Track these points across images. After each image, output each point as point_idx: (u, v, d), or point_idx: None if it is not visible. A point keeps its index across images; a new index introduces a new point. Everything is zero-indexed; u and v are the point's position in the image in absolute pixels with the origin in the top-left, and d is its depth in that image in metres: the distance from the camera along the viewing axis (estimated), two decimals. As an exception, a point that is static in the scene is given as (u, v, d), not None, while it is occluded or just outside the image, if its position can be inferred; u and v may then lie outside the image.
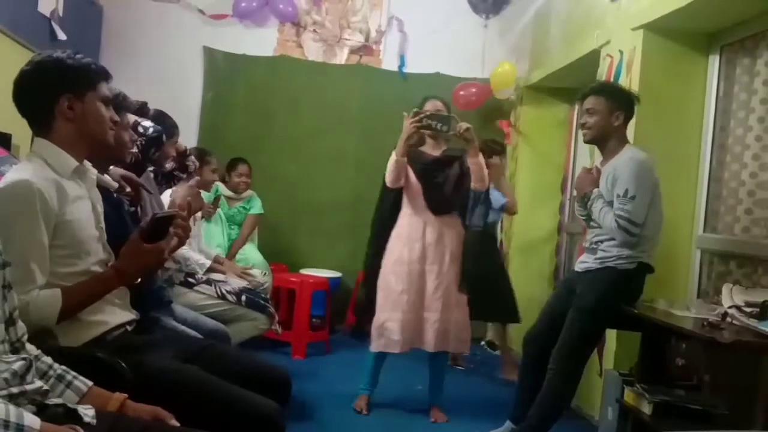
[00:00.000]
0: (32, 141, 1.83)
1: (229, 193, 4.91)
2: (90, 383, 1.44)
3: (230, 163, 4.98)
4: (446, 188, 3.56)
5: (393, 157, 3.53)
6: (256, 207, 5.06)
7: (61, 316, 1.63)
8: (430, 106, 3.57)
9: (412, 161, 3.57)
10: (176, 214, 1.85)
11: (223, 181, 4.91)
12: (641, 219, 2.80)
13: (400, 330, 3.50)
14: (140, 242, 1.74)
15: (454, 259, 3.56)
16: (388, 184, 3.62)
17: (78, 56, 1.79)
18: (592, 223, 3.02)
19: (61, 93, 1.73)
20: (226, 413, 1.63)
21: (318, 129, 5.66)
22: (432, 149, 3.65)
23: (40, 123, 1.76)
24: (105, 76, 1.84)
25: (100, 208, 1.86)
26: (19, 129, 3.31)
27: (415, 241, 3.56)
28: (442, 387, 3.71)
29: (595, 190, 2.96)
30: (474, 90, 5.40)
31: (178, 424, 1.38)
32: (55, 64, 1.75)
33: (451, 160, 3.59)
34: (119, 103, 2.10)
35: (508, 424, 3.30)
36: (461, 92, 5.32)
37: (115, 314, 1.79)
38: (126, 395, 1.43)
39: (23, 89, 1.75)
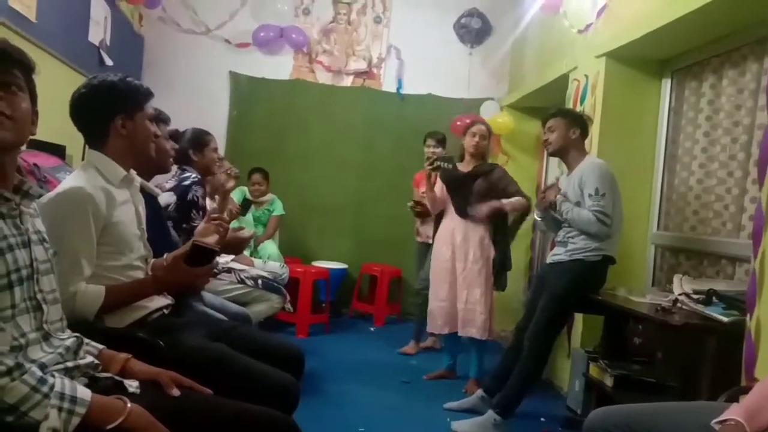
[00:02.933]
0: (84, 151, 1.82)
1: (251, 197, 4.89)
2: (102, 346, 1.41)
3: (248, 173, 4.96)
4: (473, 197, 3.60)
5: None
6: (278, 209, 5.07)
7: (100, 312, 1.61)
8: (476, 129, 3.69)
9: (448, 177, 3.69)
10: (215, 251, 1.79)
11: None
12: (610, 212, 2.82)
13: (438, 315, 3.67)
14: (181, 262, 1.72)
15: (477, 257, 3.60)
16: (433, 213, 3.83)
17: (128, 80, 1.79)
18: (563, 225, 3.02)
19: (116, 113, 1.73)
20: (249, 385, 1.62)
21: (326, 142, 5.65)
22: (464, 167, 3.71)
23: (96, 137, 1.75)
24: (150, 96, 1.84)
25: (142, 211, 1.86)
26: (72, 141, 3.32)
27: (446, 243, 3.68)
28: (474, 361, 3.70)
29: (558, 196, 2.97)
30: (468, 121, 5.36)
31: (178, 393, 1.34)
32: (109, 87, 1.74)
33: (477, 175, 3.63)
34: (157, 117, 2.09)
35: (479, 391, 3.31)
36: (458, 122, 5.27)
37: (153, 299, 1.78)
38: (129, 355, 1.40)
39: (82, 108, 1.74)
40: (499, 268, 3.65)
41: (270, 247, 4.86)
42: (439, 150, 4.28)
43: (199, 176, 2.76)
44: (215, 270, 3.14)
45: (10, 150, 1.21)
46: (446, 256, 3.66)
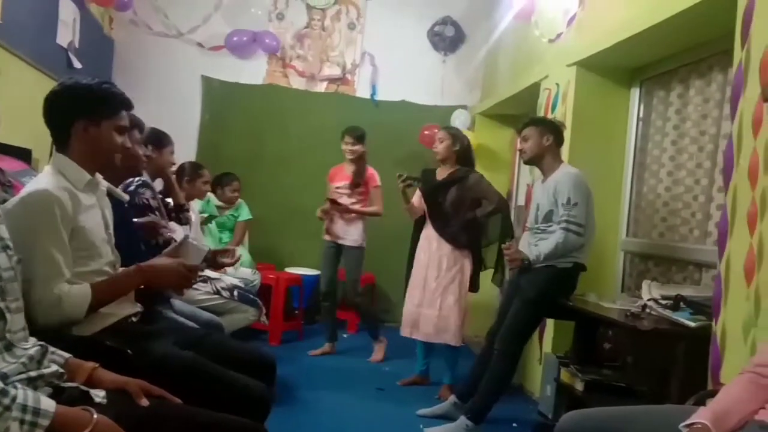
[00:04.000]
0: (50, 155, 1.78)
1: (219, 203, 4.78)
2: (68, 355, 1.37)
3: (220, 178, 4.77)
4: (446, 205, 3.65)
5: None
6: (244, 214, 4.94)
7: (89, 311, 1.58)
8: (439, 134, 3.78)
9: (424, 183, 3.77)
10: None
11: (214, 192, 4.76)
12: (583, 221, 2.85)
13: (409, 320, 3.72)
14: (174, 261, 1.73)
15: (450, 265, 3.63)
16: (412, 218, 3.90)
17: (105, 86, 1.74)
18: (534, 231, 3.05)
19: (80, 116, 1.68)
20: (220, 393, 1.60)
21: (300, 147, 5.62)
22: (440, 173, 3.75)
23: (60, 139, 1.71)
24: (126, 106, 1.79)
25: (109, 215, 1.82)
26: (39, 145, 3.25)
27: (423, 249, 3.73)
28: (448, 367, 3.73)
29: (527, 251, 2.99)
30: (436, 130, 5.40)
31: (147, 403, 1.30)
32: (82, 90, 1.69)
33: (452, 183, 3.66)
34: (130, 124, 2.04)
35: (452, 398, 3.32)
36: (426, 132, 5.29)
37: (122, 307, 1.75)
38: (96, 364, 1.36)
39: (50, 106, 1.70)
40: (474, 270, 3.69)
41: (241, 253, 4.79)
42: (357, 147, 4.30)
43: (144, 178, 2.65)
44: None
45: None
46: (423, 263, 3.70)
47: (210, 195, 4.67)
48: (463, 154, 3.72)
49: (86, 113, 1.68)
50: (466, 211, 3.61)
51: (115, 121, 1.74)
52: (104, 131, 1.71)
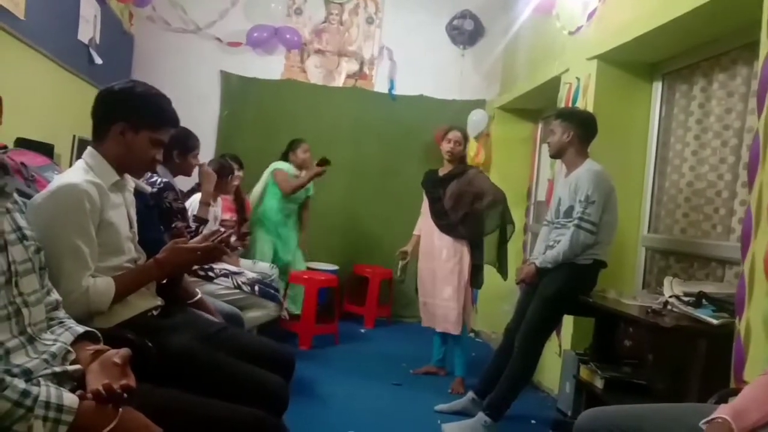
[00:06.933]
0: (72, 151, 1.81)
1: (296, 172, 4.73)
2: (81, 329, 1.36)
3: (290, 144, 4.78)
4: (445, 200, 3.78)
5: None
6: (311, 188, 4.86)
7: (112, 303, 1.62)
8: (452, 135, 3.81)
9: (426, 181, 3.92)
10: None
11: (286, 160, 4.75)
12: (597, 219, 2.84)
13: (423, 311, 3.89)
14: (180, 244, 1.78)
15: (449, 256, 3.73)
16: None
17: (159, 99, 1.78)
18: (553, 227, 3.05)
19: (122, 119, 1.72)
20: (237, 386, 1.62)
21: (317, 142, 5.58)
22: (442, 171, 3.88)
23: (98, 135, 1.75)
24: (172, 123, 1.83)
25: (133, 213, 1.85)
26: (60, 140, 3.30)
27: (426, 242, 3.87)
28: (457, 359, 3.81)
29: (532, 261, 3.06)
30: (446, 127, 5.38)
31: (119, 363, 1.23)
32: (134, 95, 1.73)
33: (451, 178, 3.78)
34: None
35: (470, 393, 3.32)
36: (440, 132, 5.28)
37: (143, 300, 1.78)
38: (98, 346, 1.33)
39: (100, 101, 1.75)
40: (474, 266, 3.77)
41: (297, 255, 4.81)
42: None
43: (167, 180, 2.70)
44: (211, 274, 3.14)
45: None
46: (424, 255, 3.86)
47: (284, 165, 4.69)
48: (465, 154, 3.94)
49: (129, 118, 1.72)
50: (465, 205, 3.71)
51: (154, 133, 1.77)
52: (140, 139, 1.75)
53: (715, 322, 2.26)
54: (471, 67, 5.80)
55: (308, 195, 4.88)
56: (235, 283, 3.21)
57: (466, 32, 5.69)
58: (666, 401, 2.06)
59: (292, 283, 4.58)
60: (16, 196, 1.30)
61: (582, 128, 3.00)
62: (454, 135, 3.81)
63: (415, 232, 4.04)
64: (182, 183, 3.16)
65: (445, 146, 3.81)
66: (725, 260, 2.83)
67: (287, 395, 1.73)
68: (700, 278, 2.99)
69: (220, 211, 3.88)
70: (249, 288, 3.24)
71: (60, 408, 1.08)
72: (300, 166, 4.76)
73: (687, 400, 2.15)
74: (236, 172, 4.05)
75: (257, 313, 3.25)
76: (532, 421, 3.29)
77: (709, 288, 2.53)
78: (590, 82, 3.62)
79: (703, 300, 2.42)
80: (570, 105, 3.84)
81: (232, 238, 2.45)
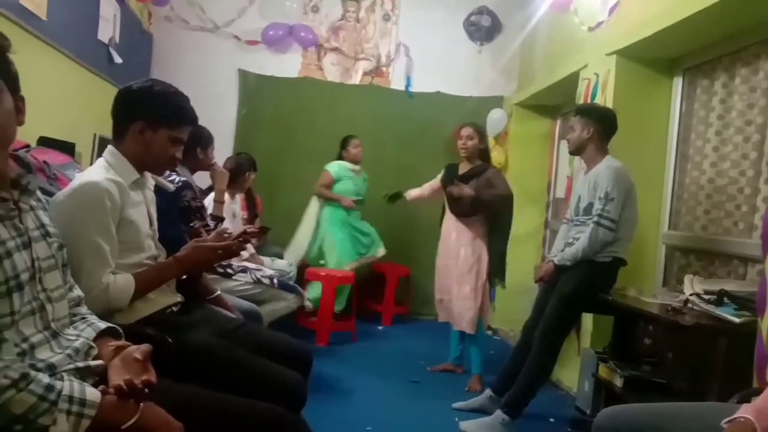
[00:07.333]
0: (93, 148, 1.84)
1: (350, 165, 4.91)
2: (103, 325, 1.38)
3: (342, 141, 4.99)
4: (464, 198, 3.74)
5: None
6: (363, 194, 5.05)
7: (132, 299, 1.65)
8: (464, 132, 3.80)
9: (446, 179, 3.86)
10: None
11: (339, 157, 4.95)
12: (617, 216, 2.81)
13: (439, 307, 3.90)
14: (199, 241, 1.81)
15: (467, 255, 3.72)
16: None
17: (177, 97, 1.81)
18: (573, 225, 3.03)
19: (140, 118, 1.74)
20: (256, 383, 1.63)
21: (334, 140, 5.62)
22: (462, 168, 3.85)
23: (118, 133, 1.78)
24: (190, 122, 1.85)
25: (153, 211, 1.87)
26: (81, 139, 3.35)
27: (445, 239, 3.87)
28: (474, 357, 3.81)
29: (550, 259, 3.05)
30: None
31: (140, 358, 1.25)
32: (152, 94, 1.76)
33: (470, 177, 3.74)
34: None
35: (488, 391, 3.31)
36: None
37: (164, 297, 1.80)
38: (120, 342, 1.35)
39: (120, 100, 1.77)
40: (496, 254, 3.74)
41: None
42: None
43: (185, 178, 2.71)
44: (229, 270, 3.17)
45: None
46: (443, 253, 3.87)
47: (332, 166, 4.89)
48: (485, 151, 3.87)
49: (148, 117, 1.74)
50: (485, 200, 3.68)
51: (173, 132, 1.79)
52: (159, 138, 1.77)
53: (736, 320, 2.23)
54: (488, 64, 5.77)
55: (362, 199, 5.04)
56: (254, 278, 3.23)
57: (484, 28, 5.67)
58: (686, 400, 2.04)
59: (310, 280, 4.59)
60: (39, 193, 1.32)
61: (602, 125, 2.97)
62: (465, 131, 3.80)
63: (419, 192, 4.07)
64: (200, 181, 3.19)
65: (459, 143, 3.81)
66: (747, 258, 2.80)
67: (305, 391, 1.74)
68: (721, 276, 2.95)
69: (239, 208, 3.91)
70: (268, 281, 3.27)
71: (83, 402, 1.10)
72: (353, 161, 4.95)
73: (707, 399, 2.13)
74: (251, 176, 4.08)
75: (277, 306, 3.27)
76: (551, 420, 3.27)
77: (731, 286, 2.50)
78: (609, 78, 3.59)
79: (725, 298, 2.40)
80: (589, 101, 3.80)
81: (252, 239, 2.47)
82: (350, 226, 4.91)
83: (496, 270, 3.74)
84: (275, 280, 3.30)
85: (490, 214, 3.71)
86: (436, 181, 4.00)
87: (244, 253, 3.41)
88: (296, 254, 4.79)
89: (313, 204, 4.96)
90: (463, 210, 3.72)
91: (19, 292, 1.14)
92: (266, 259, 4.10)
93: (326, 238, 4.87)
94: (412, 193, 4.14)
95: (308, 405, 1.73)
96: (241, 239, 1.90)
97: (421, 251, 5.00)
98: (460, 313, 3.72)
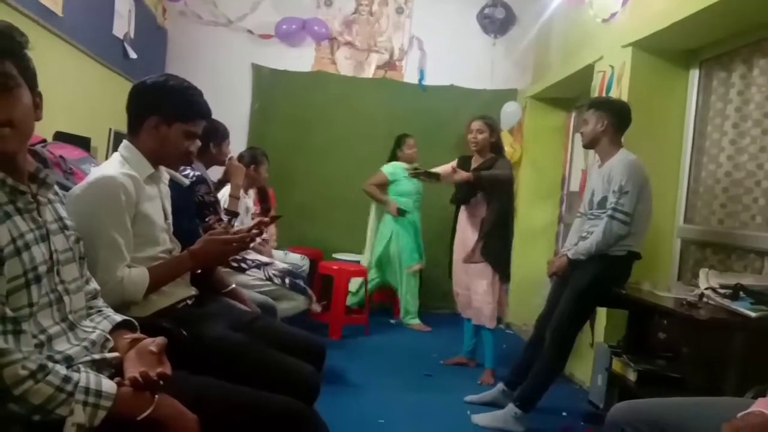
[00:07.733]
0: (108, 143, 1.85)
1: (407, 166, 4.80)
2: (119, 318, 1.40)
3: (397, 140, 5.00)
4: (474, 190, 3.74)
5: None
6: (421, 193, 5.03)
7: (146, 293, 1.66)
8: (474, 125, 3.77)
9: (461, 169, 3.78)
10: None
11: (394, 158, 4.97)
12: (631, 210, 2.79)
13: (458, 301, 3.91)
14: (213, 235, 1.83)
15: (470, 241, 3.74)
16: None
17: (191, 92, 1.82)
18: (587, 218, 3.02)
19: (155, 113, 1.76)
20: (269, 375, 1.64)
21: (348, 134, 5.65)
22: (474, 161, 3.84)
23: (133, 129, 1.79)
24: (204, 116, 1.86)
25: (168, 205, 1.89)
26: (97, 133, 3.38)
27: (460, 235, 3.86)
28: (487, 351, 3.79)
29: (564, 253, 3.04)
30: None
31: (155, 351, 1.26)
32: (166, 89, 1.77)
33: (482, 169, 3.71)
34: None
35: (500, 385, 3.31)
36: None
37: (179, 289, 1.82)
38: (136, 335, 1.37)
39: (134, 96, 1.79)
40: (501, 261, 3.73)
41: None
42: None
43: (199, 173, 2.72)
44: (243, 265, 3.19)
45: (17, 153, 1.17)
46: (457, 248, 3.86)
47: (387, 167, 4.90)
48: (497, 144, 3.81)
49: (162, 112, 1.76)
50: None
51: (187, 126, 1.81)
52: (173, 132, 1.79)
53: (753, 315, 2.21)
54: (502, 56, 5.73)
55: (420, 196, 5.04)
56: (267, 275, 3.25)
57: (498, 21, 5.63)
58: (701, 395, 2.03)
59: (322, 273, 4.60)
60: (56, 187, 1.34)
61: (616, 118, 2.95)
62: (475, 124, 3.77)
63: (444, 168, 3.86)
64: (213, 175, 3.21)
65: (469, 137, 3.78)
66: (764, 251, 2.77)
67: (318, 384, 1.75)
68: (737, 270, 2.93)
69: (252, 203, 3.93)
70: (279, 280, 3.28)
71: (99, 394, 1.12)
72: (409, 161, 4.92)
73: (723, 394, 2.11)
74: (264, 171, 4.11)
75: (287, 305, 3.29)
76: (564, 414, 3.27)
77: (747, 280, 2.48)
78: (625, 70, 3.56)
79: (741, 292, 2.37)
80: (604, 94, 3.78)
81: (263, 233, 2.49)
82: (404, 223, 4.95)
83: (497, 266, 3.70)
84: (287, 280, 3.31)
85: (487, 196, 3.67)
86: (448, 165, 3.87)
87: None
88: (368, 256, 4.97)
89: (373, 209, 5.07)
90: (465, 195, 3.74)
91: (37, 284, 1.16)
92: (279, 253, 4.11)
93: (399, 239, 4.95)
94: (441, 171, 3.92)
95: (321, 398, 1.75)
96: (256, 230, 1.92)
97: (433, 244, 4.99)
98: (479, 308, 3.72)
